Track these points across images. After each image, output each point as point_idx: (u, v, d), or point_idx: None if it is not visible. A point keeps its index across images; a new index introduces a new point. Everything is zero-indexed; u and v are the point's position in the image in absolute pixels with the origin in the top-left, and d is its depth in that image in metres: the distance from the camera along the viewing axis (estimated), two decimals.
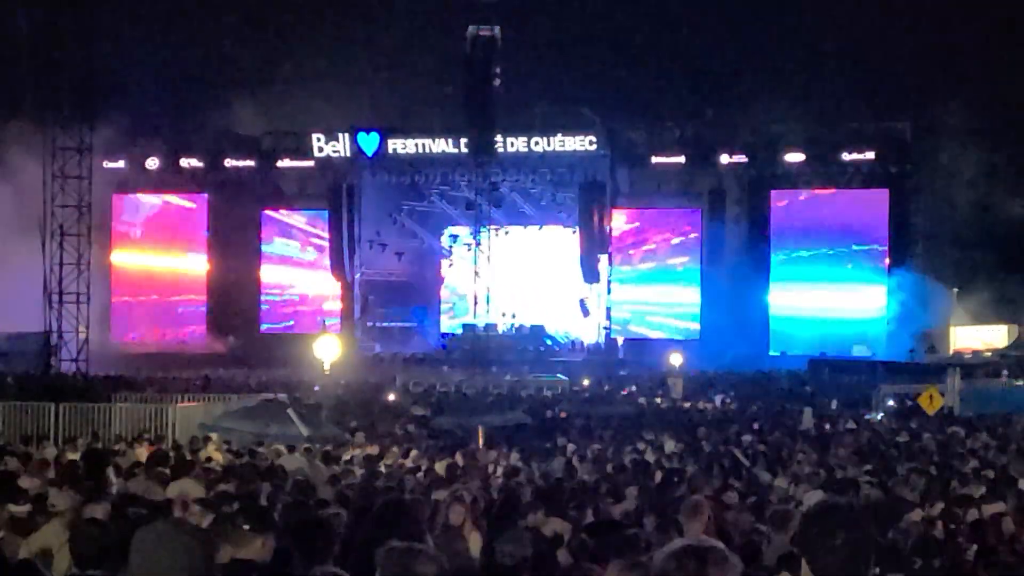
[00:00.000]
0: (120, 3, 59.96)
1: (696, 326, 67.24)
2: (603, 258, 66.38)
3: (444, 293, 73.52)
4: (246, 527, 7.33)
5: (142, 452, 21.21)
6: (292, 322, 71.20)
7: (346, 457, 22.16)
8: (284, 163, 70.40)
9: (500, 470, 20.25)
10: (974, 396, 39.48)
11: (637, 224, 69.23)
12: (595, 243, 65.02)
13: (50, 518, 10.81)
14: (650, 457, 22.43)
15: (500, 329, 67.04)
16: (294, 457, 21.10)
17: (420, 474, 18.84)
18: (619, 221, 68.58)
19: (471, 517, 10.90)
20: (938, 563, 10.97)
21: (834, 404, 41.37)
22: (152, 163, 70.62)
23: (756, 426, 31.19)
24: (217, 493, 13.95)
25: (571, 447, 24.73)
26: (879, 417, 36.33)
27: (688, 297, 67.97)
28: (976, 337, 61.07)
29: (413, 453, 23.38)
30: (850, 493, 15.39)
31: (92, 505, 10.99)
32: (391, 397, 41.25)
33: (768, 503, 14.29)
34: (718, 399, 44.25)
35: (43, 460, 18.73)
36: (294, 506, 11.93)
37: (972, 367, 49.46)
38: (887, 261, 64.80)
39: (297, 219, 71.93)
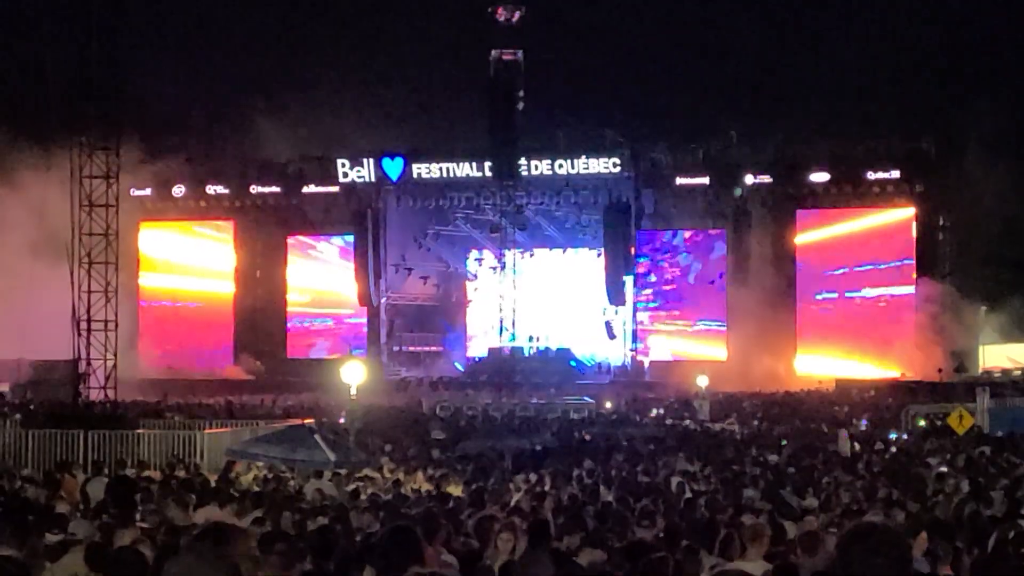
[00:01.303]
0: (147, 31, 60.37)
1: (723, 347, 66.96)
2: (628, 280, 66.29)
3: (470, 316, 73.42)
4: (277, 553, 7.36)
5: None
6: (318, 347, 71.34)
7: (373, 481, 22.16)
8: (309, 188, 70.66)
9: (526, 494, 20.18)
10: (1004, 415, 39.20)
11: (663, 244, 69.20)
12: (620, 265, 64.95)
13: (69, 547, 10.81)
14: (677, 479, 22.35)
15: (526, 352, 66.99)
16: (322, 482, 21.13)
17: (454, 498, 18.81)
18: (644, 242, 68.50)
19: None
20: None
21: (864, 425, 41.13)
22: (178, 190, 71.04)
23: (784, 447, 31.05)
24: (246, 519, 13.99)
25: (598, 470, 24.65)
26: (903, 436, 36.12)
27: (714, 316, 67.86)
28: (1005, 355, 60.71)
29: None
30: (886, 514, 15.32)
31: (120, 531, 11.03)
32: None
33: (798, 526, 14.21)
34: (748, 405, 44.02)
35: (71, 488, 18.79)
36: (323, 531, 11.96)
37: (1001, 386, 49.14)
38: (914, 279, 64.45)
39: (323, 244, 72.11)
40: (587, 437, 35.06)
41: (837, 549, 5.24)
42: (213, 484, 20.26)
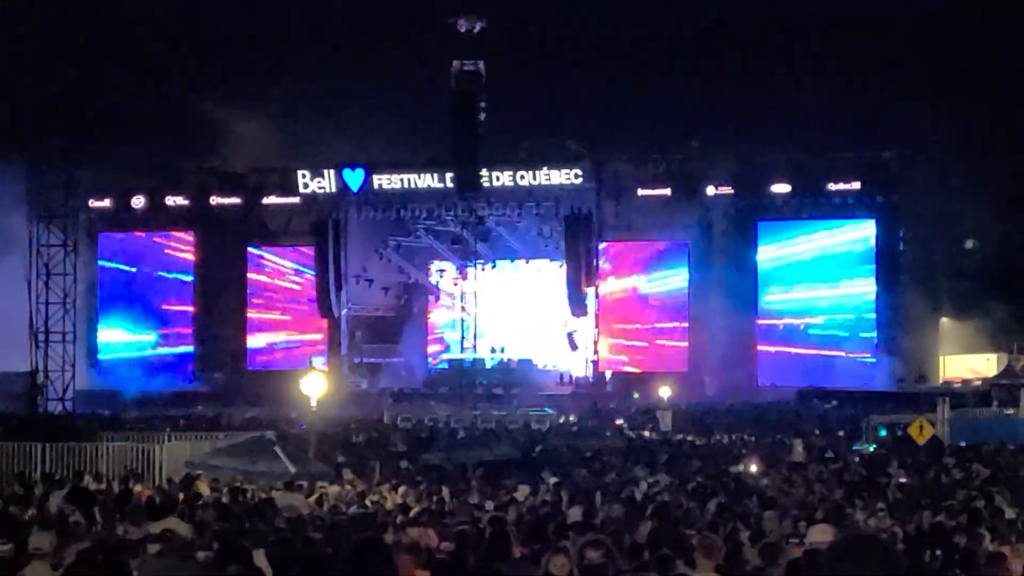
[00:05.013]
0: (106, 43, 59.97)
1: (685, 358, 67.07)
2: (590, 291, 66.29)
3: (431, 328, 73.18)
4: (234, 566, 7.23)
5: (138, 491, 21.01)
6: (279, 359, 70.95)
7: (334, 494, 22.00)
8: (270, 200, 70.29)
9: (489, 506, 20.09)
10: (964, 425, 39.45)
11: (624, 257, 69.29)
12: (582, 276, 64.95)
13: (31, 559, 10.68)
14: (639, 491, 22.30)
15: (487, 363, 66.85)
16: (282, 494, 20.95)
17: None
18: (606, 254, 68.58)
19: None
20: None
21: (817, 433, 41.35)
22: (138, 201, 70.50)
23: (746, 458, 31.05)
24: (203, 530, 13.84)
25: (558, 481, 24.56)
26: (871, 448, 36.28)
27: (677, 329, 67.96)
28: (965, 366, 61.08)
29: (401, 489, 23.23)
30: (850, 525, 15.33)
31: (75, 544, 10.89)
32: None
33: (760, 537, 14.18)
34: (709, 416, 44.08)
35: (27, 500, 18.58)
36: (283, 544, 11.82)
37: (962, 396, 49.46)
38: (875, 291, 64.79)
39: (283, 256, 71.78)
40: (549, 448, 34.98)
41: (828, 559, 5.13)
42: (177, 496, 20.05)
